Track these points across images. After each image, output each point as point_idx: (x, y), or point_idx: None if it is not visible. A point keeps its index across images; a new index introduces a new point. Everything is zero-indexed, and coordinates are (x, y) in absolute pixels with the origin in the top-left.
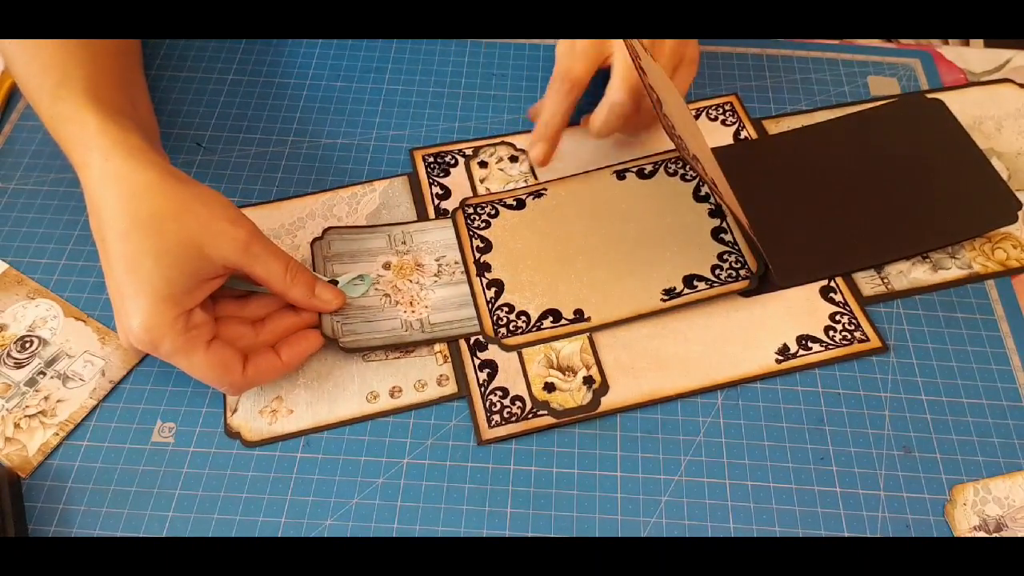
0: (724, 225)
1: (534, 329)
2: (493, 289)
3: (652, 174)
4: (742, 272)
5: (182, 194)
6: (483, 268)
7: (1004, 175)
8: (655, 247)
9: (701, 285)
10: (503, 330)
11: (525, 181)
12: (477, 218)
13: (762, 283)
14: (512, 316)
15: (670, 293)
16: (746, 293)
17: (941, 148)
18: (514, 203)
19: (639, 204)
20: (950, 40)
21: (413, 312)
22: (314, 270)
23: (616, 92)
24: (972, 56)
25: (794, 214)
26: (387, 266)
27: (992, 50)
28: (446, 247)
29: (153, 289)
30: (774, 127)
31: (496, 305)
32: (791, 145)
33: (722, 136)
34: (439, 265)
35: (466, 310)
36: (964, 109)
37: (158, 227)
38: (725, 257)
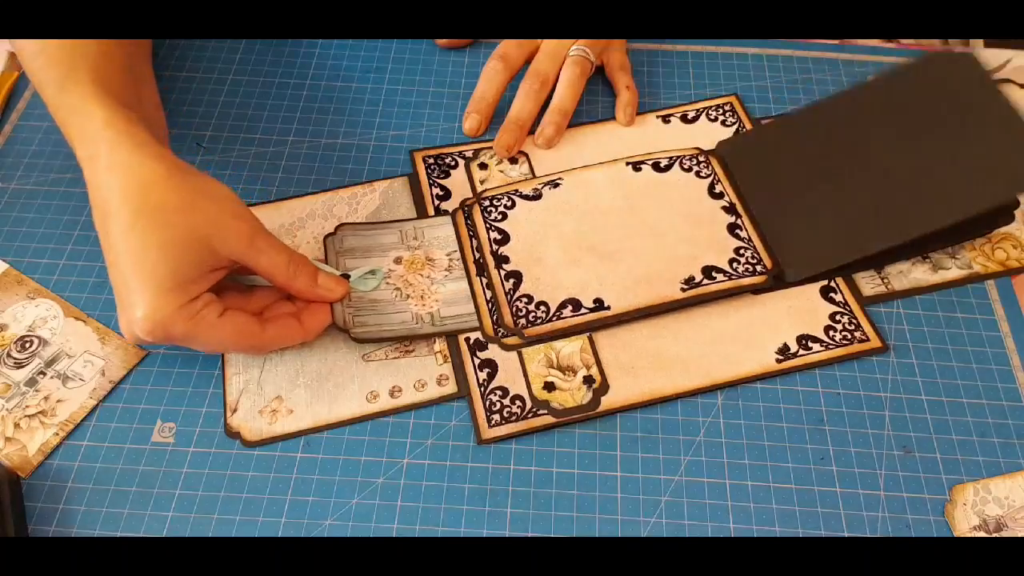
0: (739, 222)
1: (554, 319)
2: (511, 281)
3: (667, 168)
4: (758, 268)
5: (189, 187)
6: (501, 260)
7: None
8: (672, 239)
9: (720, 276)
10: (523, 321)
11: (525, 179)
12: (494, 210)
13: (777, 280)
14: (531, 307)
15: (690, 283)
16: (760, 289)
17: (968, 110)
18: (531, 194)
19: (655, 196)
20: (950, 40)
21: (424, 306)
22: (327, 264)
23: (568, 101)
24: None
25: (805, 203)
26: (398, 261)
27: (992, 50)
28: (457, 242)
29: (159, 280)
30: None
31: (515, 296)
32: (798, 128)
33: (722, 137)
34: (450, 260)
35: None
36: None
37: (165, 219)
38: (741, 252)
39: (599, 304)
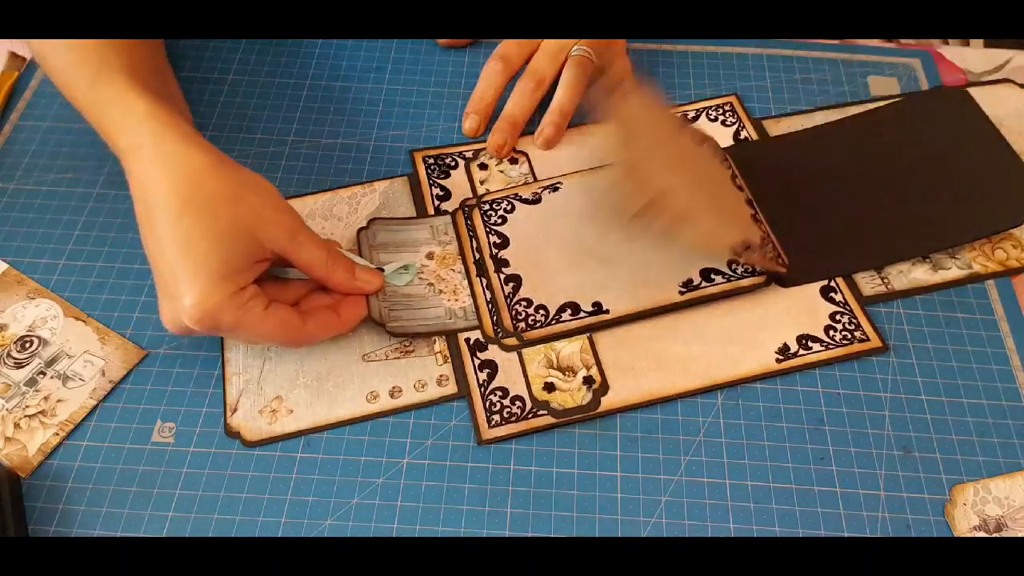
0: None
1: (553, 322)
2: (511, 284)
3: None
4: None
5: (235, 179)
6: (500, 264)
7: None
8: (673, 241)
9: (718, 279)
10: (522, 324)
11: (526, 182)
12: (493, 214)
13: (777, 281)
14: (531, 310)
15: (687, 286)
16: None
17: (964, 142)
18: (530, 198)
19: None
20: (950, 40)
21: (456, 301)
22: (361, 257)
23: (568, 101)
24: (972, 56)
25: (805, 215)
26: (430, 256)
27: (992, 50)
28: (457, 243)
29: (210, 269)
30: (775, 127)
31: (515, 300)
32: (802, 146)
33: (722, 136)
34: None
35: None
36: None
37: (213, 209)
38: None
39: (597, 308)
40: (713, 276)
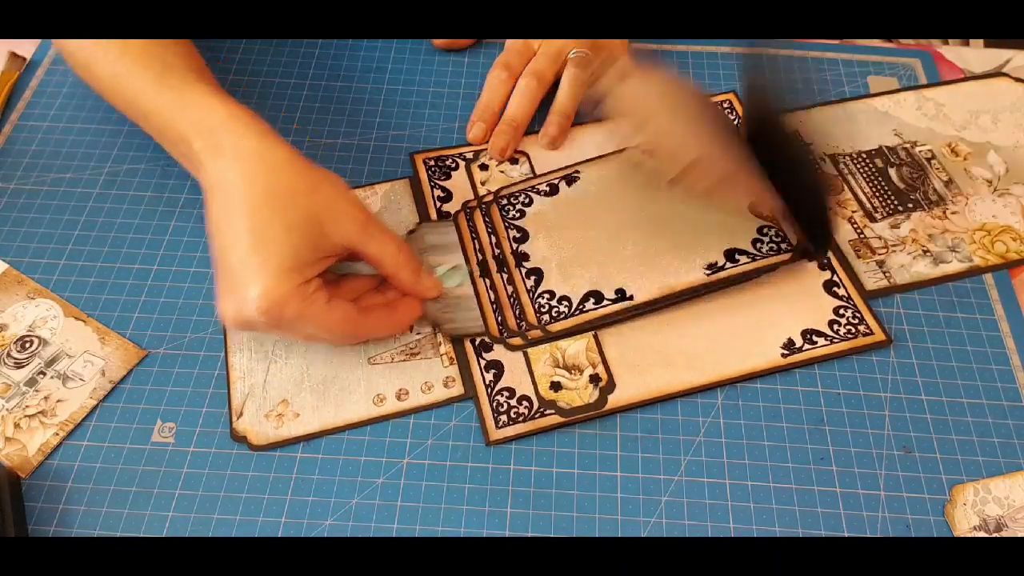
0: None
1: (577, 313)
2: (533, 278)
3: None
4: (783, 246)
5: (313, 173)
6: (521, 258)
7: (1002, 169)
8: (694, 224)
9: (743, 259)
10: (546, 317)
11: (532, 175)
12: (511, 208)
13: (805, 255)
14: (554, 302)
15: (713, 267)
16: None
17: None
18: (547, 189)
19: None
20: (950, 40)
21: None
22: None
23: (568, 100)
24: (972, 56)
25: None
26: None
27: (992, 50)
28: (460, 245)
29: (280, 260)
30: None
31: (537, 293)
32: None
33: None
34: None
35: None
36: (960, 103)
37: (290, 201)
38: (765, 231)
39: (621, 295)
40: (738, 256)
